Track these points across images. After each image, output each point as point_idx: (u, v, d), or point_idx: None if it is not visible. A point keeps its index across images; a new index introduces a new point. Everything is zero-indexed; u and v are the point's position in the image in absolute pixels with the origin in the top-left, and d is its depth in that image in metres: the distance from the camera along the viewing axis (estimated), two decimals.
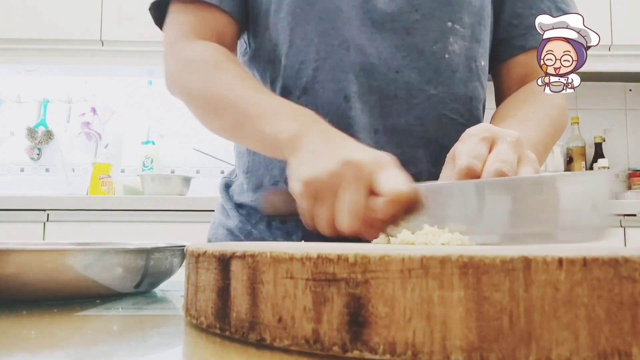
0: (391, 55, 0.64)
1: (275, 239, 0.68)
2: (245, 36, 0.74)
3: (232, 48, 0.70)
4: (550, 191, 0.39)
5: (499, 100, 0.75)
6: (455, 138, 0.64)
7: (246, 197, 0.70)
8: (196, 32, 0.67)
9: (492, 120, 0.66)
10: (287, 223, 0.67)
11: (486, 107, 0.74)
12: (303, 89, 0.65)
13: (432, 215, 0.43)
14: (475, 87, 0.69)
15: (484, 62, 0.71)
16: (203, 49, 0.66)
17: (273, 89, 0.68)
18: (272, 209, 0.57)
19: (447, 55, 0.65)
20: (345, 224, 0.45)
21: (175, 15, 0.69)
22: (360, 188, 0.44)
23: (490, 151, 0.47)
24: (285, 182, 0.62)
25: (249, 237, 0.69)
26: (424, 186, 0.45)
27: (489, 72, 0.76)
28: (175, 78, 0.68)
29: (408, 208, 0.44)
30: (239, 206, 0.72)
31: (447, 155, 0.51)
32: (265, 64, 0.69)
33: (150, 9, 0.72)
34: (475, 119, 0.69)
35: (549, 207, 0.39)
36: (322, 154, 0.48)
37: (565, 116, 0.70)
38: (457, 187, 0.43)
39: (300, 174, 0.48)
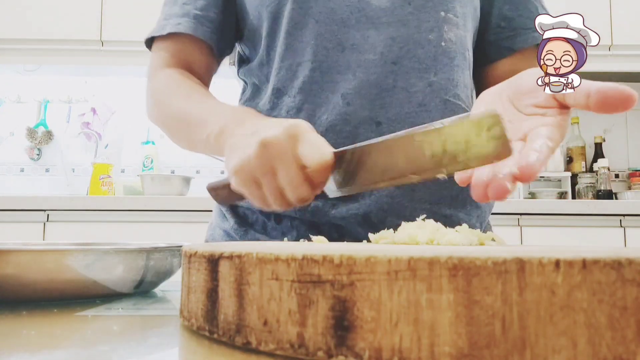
0: (388, 48, 0.64)
1: (270, 239, 0.68)
2: (239, 46, 0.78)
3: (203, 69, 0.76)
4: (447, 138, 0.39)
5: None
6: None
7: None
8: (167, 63, 0.75)
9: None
10: (282, 223, 0.67)
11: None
12: (299, 89, 0.65)
13: (349, 171, 0.46)
14: (469, 75, 0.70)
15: (470, 53, 0.72)
16: (162, 78, 0.73)
17: (265, 90, 0.70)
18: (221, 200, 0.60)
19: (443, 44, 0.66)
20: (292, 196, 0.48)
21: (153, 51, 0.78)
22: (289, 164, 0.47)
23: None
24: None
25: (244, 237, 0.71)
26: (341, 149, 0.48)
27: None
28: (148, 109, 0.77)
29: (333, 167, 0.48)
30: (234, 208, 0.73)
31: None
32: (260, 67, 0.71)
33: (146, 45, 0.80)
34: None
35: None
36: (240, 142, 0.51)
37: None
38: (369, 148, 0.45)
39: (229, 167, 0.52)
